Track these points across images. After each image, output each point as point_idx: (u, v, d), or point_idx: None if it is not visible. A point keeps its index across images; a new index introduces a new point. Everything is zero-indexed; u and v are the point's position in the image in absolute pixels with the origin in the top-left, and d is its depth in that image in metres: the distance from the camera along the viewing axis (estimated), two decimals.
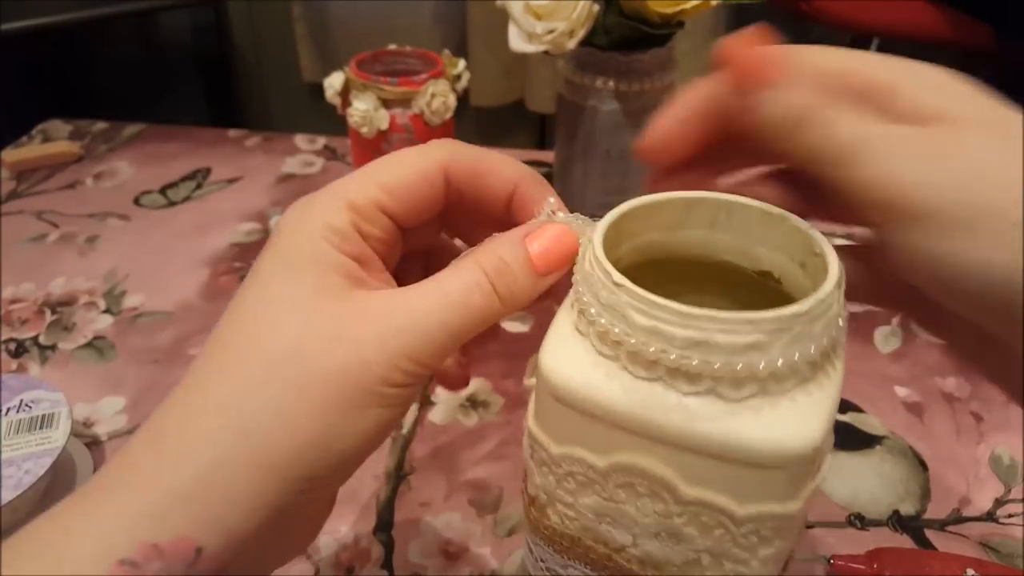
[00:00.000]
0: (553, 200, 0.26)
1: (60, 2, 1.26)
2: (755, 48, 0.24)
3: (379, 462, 0.45)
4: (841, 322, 0.22)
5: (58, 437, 0.41)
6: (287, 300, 0.23)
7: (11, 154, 0.75)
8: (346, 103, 0.57)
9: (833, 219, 0.27)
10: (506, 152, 0.83)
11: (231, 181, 0.74)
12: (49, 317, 0.56)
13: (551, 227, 0.25)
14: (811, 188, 0.25)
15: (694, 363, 0.21)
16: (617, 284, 0.22)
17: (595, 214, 0.25)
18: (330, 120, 0.64)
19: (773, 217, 0.26)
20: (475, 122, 1.61)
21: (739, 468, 0.21)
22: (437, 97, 0.56)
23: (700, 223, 0.27)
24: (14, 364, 0.52)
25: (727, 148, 0.26)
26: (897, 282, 0.24)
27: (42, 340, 0.54)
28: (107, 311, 0.57)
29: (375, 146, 0.57)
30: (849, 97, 0.22)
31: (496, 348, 0.53)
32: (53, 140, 0.80)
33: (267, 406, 0.21)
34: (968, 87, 0.22)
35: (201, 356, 0.23)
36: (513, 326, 0.54)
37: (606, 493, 0.24)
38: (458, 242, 0.31)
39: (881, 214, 0.22)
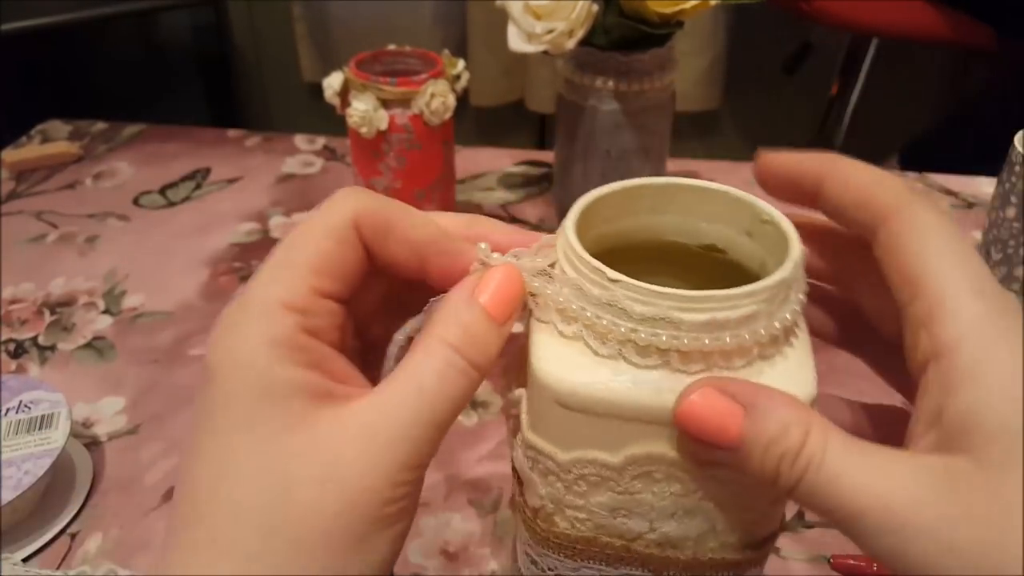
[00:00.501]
0: (484, 245, 0.24)
1: (60, 2, 1.26)
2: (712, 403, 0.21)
3: None
4: (804, 284, 0.24)
5: (57, 438, 0.41)
6: (257, 452, 0.20)
7: (11, 154, 0.75)
8: (345, 103, 0.57)
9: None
10: (506, 152, 0.82)
11: (231, 181, 0.73)
12: (49, 317, 0.56)
13: (494, 272, 0.23)
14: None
15: (706, 343, 0.21)
16: (613, 280, 0.22)
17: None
18: (330, 120, 0.64)
19: (712, 192, 0.27)
20: (475, 122, 1.61)
21: None
22: (437, 97, 0.56)
23: (643, 209, 0.28)
24: (13, 365, 0.52)
25: None
26: (858, 330, 0.24)
27: (41, 340, 0.54)
28: (107, 311, 0.57)
29: (375, 146, 0.57)
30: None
31: (507, 346, 0.53)
32: (53, 140, 0.80)
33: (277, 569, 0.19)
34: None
35: (179, 527, 0.20)
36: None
37: (621, 487, 0.24)
38: None
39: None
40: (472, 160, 0.75)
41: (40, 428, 0.42)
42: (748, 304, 0.22)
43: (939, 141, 1.19)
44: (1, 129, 0.81)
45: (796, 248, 0.24)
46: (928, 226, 0.21)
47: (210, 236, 0.65)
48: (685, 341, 0.21)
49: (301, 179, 0.74)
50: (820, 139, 1.41)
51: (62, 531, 0.41)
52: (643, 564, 0.26)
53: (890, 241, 0.21)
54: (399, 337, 0.24)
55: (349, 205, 0.23)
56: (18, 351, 0.53)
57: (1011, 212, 0.56)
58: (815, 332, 0.24)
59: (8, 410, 0.42)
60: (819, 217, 0.25)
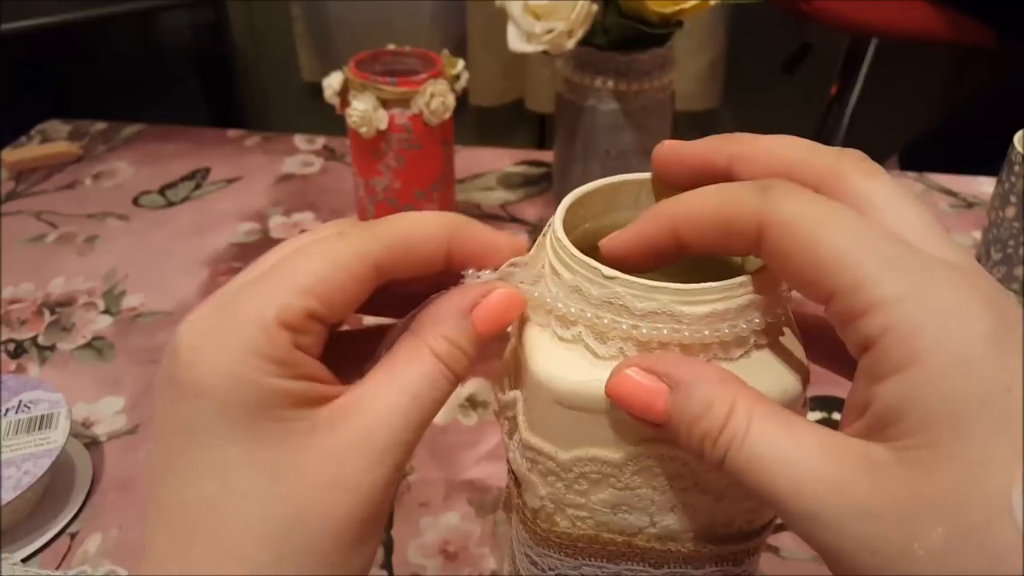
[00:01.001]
0: (471, 271, 0.24)
1: (60, 2, 1.26)
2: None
3: None
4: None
5: (57, 438, 0.41)
6: (261, 465, 0.20)
7: (10, 154, 0.75)
8: (345, 103, 0.57)
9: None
10: (505, 152, 0.82)
11: (230, 181, 0.73)
12: (48, 317, 0.56)
13: (498, 296, 0.24)
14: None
15: (706, 334, 0.22)
16: (609, 277, 0.22)
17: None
18: (329, 120, 0.64)
19: None
20: (474, 122, 1.61)
21: None
22: (436, 97, 0.56)
23: (625, 204, 0.28)
24: (13, 365, 0.52)
25: None
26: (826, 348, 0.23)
27: (41, 340, 0.54)
28: (106, 311, 0.57)
29: (374, 146, 0.57)
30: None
31: (496, 348, 0.53)
32: (52, 140, 0.80)
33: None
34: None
35: (173, 547, 0.20)
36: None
37: (622, 483, 0.24)
38: None
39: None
40: (472, 160, 0.75)
41: (40, 428, 0.42)
42: (743, 294, 0.22)
43: (939, 141, 1.19)
44: (1, 129, 0.81)
45: None
46: (813, 215, 0.19)
47: (210, 236, 0.65)
48: (686, 334, 0.22)
49: (301, 179, 0.74)
50: (820, 139, 1.41)
51: (62, 531, 0.41)
52: (644, 559, 0.26)
53: (778, 247, 0.20)
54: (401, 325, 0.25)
55: (373, 248, 0.22)
56: (18, 351, 0.53)
57: (1011, 212, 0.56)
58: None
59: (8, 410, 0.42)
60: None
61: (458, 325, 0.23)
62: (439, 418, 0.47)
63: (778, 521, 0.26)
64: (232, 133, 0.82)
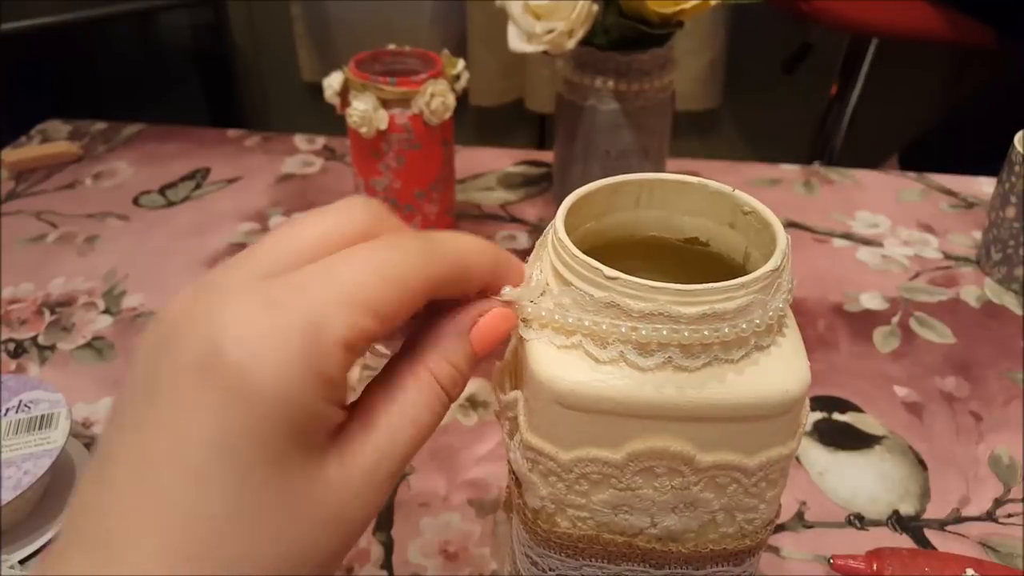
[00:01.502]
0: (507, 289, 0.24)
1: (60, 2, 1.26)
2: None
3: None
4: (792, 272, 0.25)
5: (57, 438, 0.41)
6: (278, 490, 0.19)
7: (10, 154, 0.75)
8: (345, 103, 0.57)
9: None
10: (505, 152, 0.82)
11: (230, 181, 0.73)
12: (48, 317, 0.56)
13: (494, 317, 0.24)
14: None
15: (705, 335, 0.22)
16: (610, 278, 0.22)
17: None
18: (329, 120, 0.64)
19: (691, 186, 0.28)
20: (474, 122, 1.61)
21: (748, 423, 0.23)
22: (436, 97, 0.56)
23: (626, 205, 0.28)
24: (13, 364, 0.52)
25: None
26: None
27: (41, 340, 0.54)
28: (106, 311, 0.57)
29: (374, 146, 0.57)
30: None
31: (497, 349, 0.53)
32: (52, 140, 0.80)
33: None
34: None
35: (141, 548, 0.18)
36: None
37: (623, 483, 0.24)
38: None
39: None
40: (472, 160, 0.75)
41: (40, 428, 0.41)
42: (744, 295, 0.22)
43: (939, 141, 1.19)
44: (1, 129, 0.81)
45: (782, 236, 0.24)
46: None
47: (210, 236, 0.65)
48: (686, 334, 0.22)
49: (301, 179, 0.74)
50: (820, 139, 1.41)
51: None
52: (644, 559, 0.26)
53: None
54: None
55: (429, 268, 0.21)
56: (18, 351, 0.53)
57: (1011, 212, 0.56)
58: None
59: (8, 410, 0.42)
60: None
61: (458, 347, 0.23)
62: None
63: (778, 521, 0.26)
64: (232, 133, 0.82)
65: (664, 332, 0.22)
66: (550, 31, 0.52)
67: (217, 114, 1.67)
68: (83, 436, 0.47)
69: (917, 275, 0.60)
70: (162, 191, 0.72)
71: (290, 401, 0.18)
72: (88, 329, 0.55)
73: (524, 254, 0.26)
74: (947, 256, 0.63)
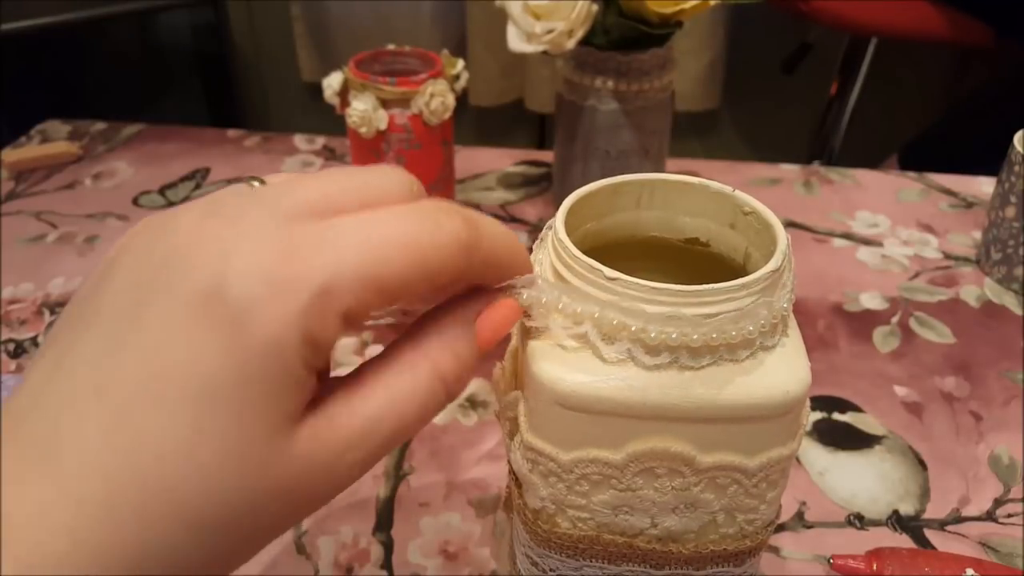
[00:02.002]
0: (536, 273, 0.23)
1: (60, 2, 1.26)
2: None
3: (379, 462, 0.44)
4: (793, 272, 0.25)
5: None
6: (236, 445, 0.17)
7: (10, 154, 0.75)
8: (345, 103, 0.57)
9: None
10: (505, 152, 0.82)
11: (230, 181, 0.73)
12: (48, 317, 0.56)
13: (500, 308, 0.23)
14: None
15: (713, 336, 0.22)
16: (611, 279, 0.22)
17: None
18: (329, 120, 0.64)
19: (692, 186, 0.28)
20: (474, 122, 1.61)
21: (749, 424, 0.23)
22: (436, 97, 0.56)
23: (626, 205, 0.28)
24: (13, 364, 0.52)
25: None
26: None
27: (41, 340, 0.54)
28: None
29: (374, 146, 0.57)
30: None
31: (497, 348, 0.53)
32: (52, 140, 0.80)
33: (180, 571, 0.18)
34: None
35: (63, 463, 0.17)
36: None
37: (623, 484, 0.24)
38: None
39: None
40: (472, 160, 0.75)
41: None
42: (744, 296, 0.22)
43: (939, 141, 1.19)
44: (1, 129, 0.81)
45: (782, 237, 0.24)
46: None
47: None
48: (694, 337, 0.22)
49: None
50: (820, 139, 1.41)
51: None
52: (645, 560, 0.26)
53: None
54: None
55: (459, 262, 0.20)
56: (18, 351, 0.53)
57: (1011, 212, 0.56)
58: None
59: None
60: None
61: (463, 335, 0.22)
62: (439, 418, 0.47)
63: (778, 521, 0.26)
64: (232, 133, 0.82)
65: (674, 335, 0.22)
66: (550, 31, 0.52)
67: (217, 114, 1.67)
68: None
69: (917, 275, 0.60)
70: (162, 191, 0.72)
71: (280, 357, 0.17)
72: None
73: None
74: (947, 256, 0.63)
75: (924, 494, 0.43)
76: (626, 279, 0.22)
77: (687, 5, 0.51)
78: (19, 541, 0.16)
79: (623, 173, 0.28)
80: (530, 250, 0.26)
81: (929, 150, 1.18)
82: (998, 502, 0.42)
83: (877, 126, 1.41)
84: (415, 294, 0.20)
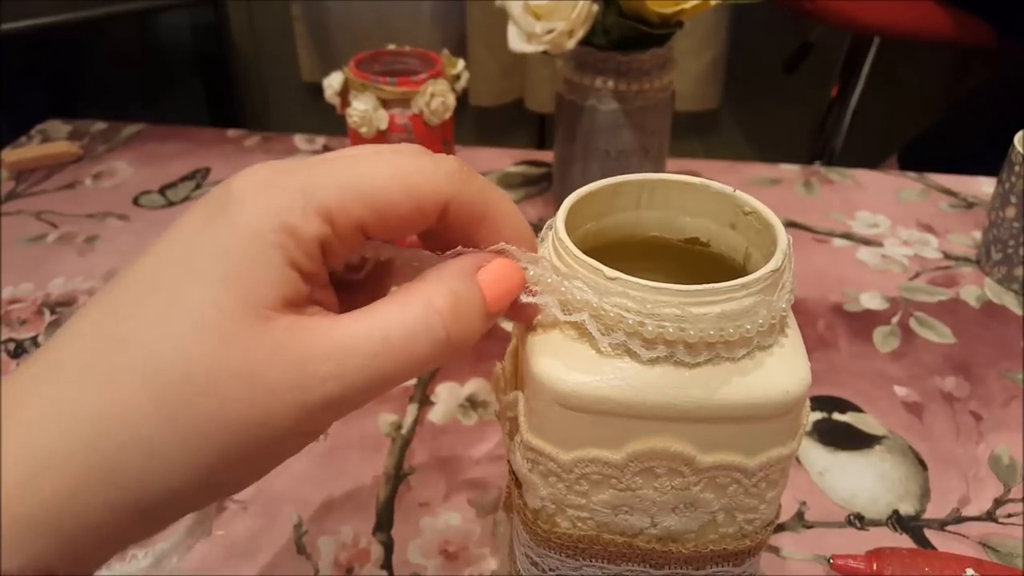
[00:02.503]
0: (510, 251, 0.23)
1: (60, 2, 1.26)
2: None
3: (378, 462, 0.45)
4: (792, 273, 0.24)
5: None
6: (206, 312, 0.18)
7: (10, 154, 0.75)
8: (345, 103, 0.57)
9: None
10: (505, 152, 0.82)
11: None
12: (48, 317, 0.56)
13: (503, 263, 0.23)
14: None
15: (711, 334, 0.22)
16: (611, 278, 0.22)
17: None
18: (329, 120, 0.64)
19: (693, 187, 0.28)
20: (474, 122, 1.61)
21: (749, 424, 0.23)
22: (436, 97, 0.56)
23: (627, 205, 0.28)
24: (13, 364, 0.52)
25: None
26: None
27: (41, 340, 0.54)
28: None
29: None
30: None
31: (497, 348, 0.53)
32: (52, 140, 0.80)
33: (141, 442, 0.18)
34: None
35: (98, 307, 0.20)
36: (510, 325, 0.54)
37: (623, 484, 0.24)
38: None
39: None
40: (472, 160, 0.75)
41: None
42: (745, 295, 0.22)
43: (939, 141, 1.19)
44: (1, 129, 0.81)
45: (782, 237, 0.24)
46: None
47: None
48: (691, 333, 0.22)
49: None
50: (820, 139, 1.41)
51: None
52: (645, 560, 0.26)
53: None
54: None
55: (450, 187, 0.21)
56: (18, 351, 0.53)
57: (1011, 212, 0.56)
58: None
59: None
60: None
61: (464, 281, 0.21)
62: (439, 418, 0.47)
63: (778, 521, 0.26)
64: (232, 133, 0.82)
65: (671, 330, 0.22)
66: (550, 31, 0.52)
67: (217, 114, 1.67)
68: None
69: (917, 275, 0.60)
70: (162, 191, 0.72)
71: (257, 242, 0.19)
72: None
73: None
74: (947, 256, 0.63)
75: (924, 494, 0.43)
76: (626, 279, 0.22)
77: (687, 5, 0.51)
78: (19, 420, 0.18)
79: (623, 173, 0.28)
80: None
81: (929, 150, 1.18)
82: (998, 502, 0.42)
83: (877, 126, 1.41)
84: (403, 218, 0.21)
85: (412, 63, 0.60)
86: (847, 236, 0.65)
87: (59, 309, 0.57)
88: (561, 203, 0.26)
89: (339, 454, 0.45)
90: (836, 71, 1.35)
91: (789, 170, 0.74)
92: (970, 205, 0.69)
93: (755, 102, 1.61)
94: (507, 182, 0.73)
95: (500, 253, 0.23)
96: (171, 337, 0.18)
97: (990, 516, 0.42)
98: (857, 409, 0.48)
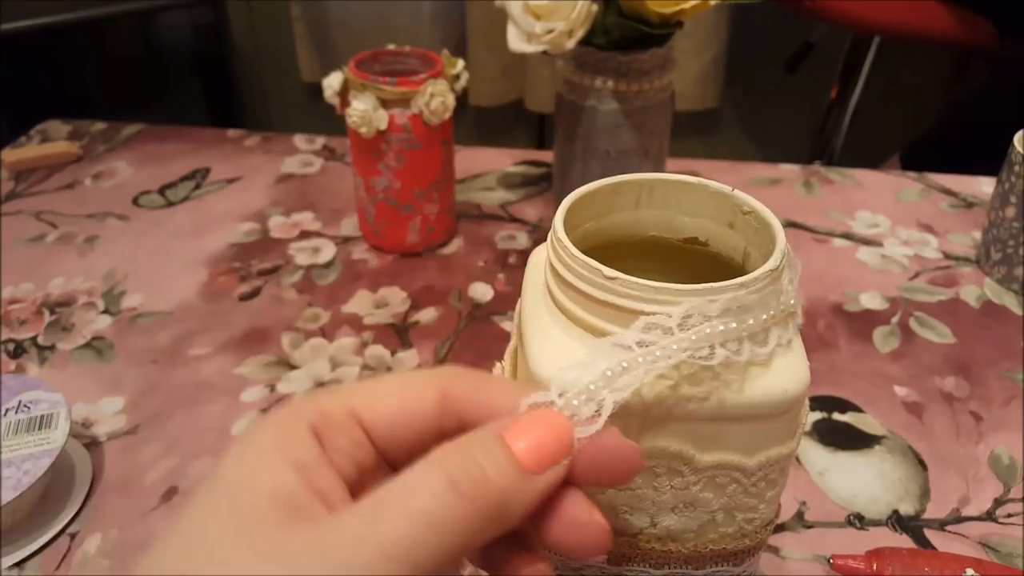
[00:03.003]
0: (527, 400, 0.21)
1: (60, 2, 1.26)
2: None
3: None
4: (797, 270, 0.25)
5: (57, 438, 0.41)
6: (207, 536, 0.18)
7: (10, 154, 0.75)
8: (345, 103, 0.57)
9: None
10: (505, 152, 0.82)
11: (230, 181, 0.73)
12: (48, 317, 0.56)
13: (534, 415, 0.20)
14: None
15: (708, 332, 0.22)
16: (610, 278, 0.22)
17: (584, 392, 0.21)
18: (329, 120, 0.64)
19: (691, 186, 0.28)
20: (474, 122, 1.61)
21: (748, 423, 0.23)
22: (436, 97, 0.56)
23: (626, 205, 0.28)
24: (13, 364, 0.52)
25: None
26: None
27: (41, 340, 0.54)
28: (106, 311, 0.57)
29: (374, 146, 0.57)
30: None
31: (497, 348, 0.53)
32: (52, 140, 0.80)
33: None
34: None
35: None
36: (509, 325, 0.54)
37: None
38: None
39: None
40: (472, 160, 0.75)
41: (40, 428, 0.41)
42: (747, 294, 0.22)
43: (939, 141, 1.19)
44: (1, 129, 0.81)
45: (781, 236, 0.24)
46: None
47: (209, 236, 0.65)
48: (693, 337, 0.22)
49: (300, 179, 0.74)
50: (820, 139, 1.41)
51: (61, 531, 0.41)
52: (645, 559, 0.26)
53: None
54: None
55: (440, 376, 0.21)
56: (17, 351, 0.53)
57: (1011, 212, 0.56)
58: None
59: (7, 410, 0.42)
60: None
61: (484, 443, 0.19)
62: None
63: (778, 521, 0.26)
64: (232, 133, 0.82)
65: (663, 332, 0.22)
66: (550, 31, 0.52)
67: (217, 114, 1.67)
68: (83, 436, 0.47)
69: (917, 275, 0.60)
70: (162, 191, 0.72)
71: (247, 460, 0.19)
72: (88, 329, 0.55)
73: (524, 254, 0.26)
74: (947, 256, 0.63)
75: (924, 494, 0.43)
76: (625, 278, 0.22)
77: (687, 5, 0.51)
78: None
79: (623, 173, 0.28)
80: (530, 250, 0.26)
81: (929, 150, 1.18)
82: (998, 502, 0.42)
83: (877, 126, 1.41)
84: (397, 401, 0.21)
85: (412, 63, 0.60)
86: (847, 236, 0.65)
87: (59, 309, 0.57)
88: (561, 203, 0.26)
89: None
90: (836, 71, 1.35)
91: (789, 170, 0.74)
92: (970, 205, 0.69)
93: (755, 102, 1.61)
94: (507, 182, 0.73)
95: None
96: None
97: (990, 516, 0.42)
98: (857, 409, 0.48)
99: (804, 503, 0.42)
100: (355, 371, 0.51)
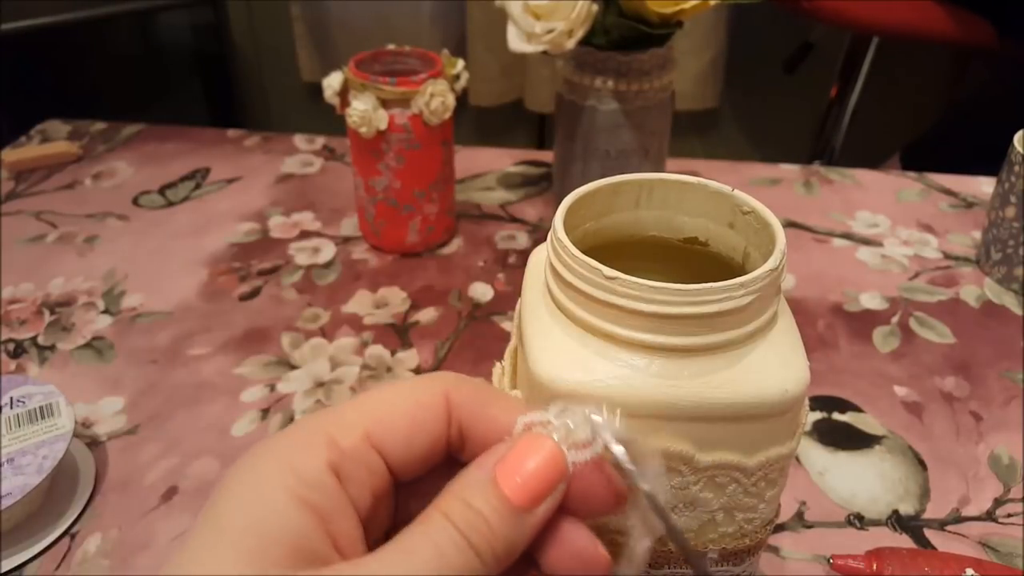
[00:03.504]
0: (523, 419, 0.20)
1: (60, 2, 1.26)
2: None
3: None
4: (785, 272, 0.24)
5: (64, 423, 0.42)
6: None
7: (10, 154, 0.75)
8: (345, 103, 0.57)
9: None
10: (505, 152, 0.82)
11: (230, 181, 0.73)
12: (48, 317, 0.56)
13: (529, 444, 0.19)
14: None
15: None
16: (609, 278, 0.22)
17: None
18: (329, 120, 0.64)
19: (691, 186, 0.28)
20: (474, 122, 1.61)
21: (748, 423, 0.23)
22: (436, 97, 0.56)
23: (626, 205, 0.28)
24: (12, 364, 0.52)
25: None
26: None
27: (41, 340, 0.54)
28: (106, 311, 0.57)
29: (374, 146, 0.57)
30: None
31: (497, 348, 0.53)
32: (52, 140, 0.80)
33: None
34: None
35: None
36: (509, 325, 0.54)
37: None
38: None
39: None
40: (471, 160, 0.75)
41: (43, 417, 0.42)
42: (743, 294, 0.22)
43: (939, 141, 1.19)
44: (1, 129, 0.81)
45: (781, 236, 0.24)
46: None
47: (209, 236, 0.65)
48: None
49: (300, 179, 0.74)
50: (820, 139, 1.41)
51: (67, 531, 0.41)
52: None
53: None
54: None
55: (442, 382, 0.21)
56: (17, 351, 0.53)
57: (1011, 212, 0.56)
58: None
59: (2, 407, 0.42)
60: None
61: (478, 486, 0.19)
62: None
63: (778, 521, 0.26)
64: (232, 133, 0.82)
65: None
66: (550, 31, 0.52)
67: (217, 114, 1.67)
68: (83, 436, 0.47)
69: (917, 275, 0.60)
70: (162, 191, 0.72)
71: (249, 492, 0.19)
72: (88, 329, 0.55)
73: (524, 254, 0.26)
74: (947, 256, 0.63)
75: (924, 494, 0.43)
76: (625, 278, 0.22)
77: (687, 5, 0.51)
78: None
79: (623, 173, 0.28)
80: (530, 250, 0.26)
81: (929, 150, 1.18)
82: (998, 502, 0.42)
83: (877, 126, 1.41)
84: (407, 416, 0.20)
85: (412, 63, 0.60)
86: (847, 236, 0.65)
87: (59, 309, 0.57)
88: (561, 203, 0.26)
89: None
90: (836, 71, 1.35)
91: (789, 170, 0.74)
92: (970, 205, 0.69)
93: (755, 102, 1.61)
94: (507, 182, 0.73)
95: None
96: None
97: (990, 516, 0.42)
98: (857, 409, 0.48)
99: (804, 503, 0.42)
100: (355, 371, 0.51)
